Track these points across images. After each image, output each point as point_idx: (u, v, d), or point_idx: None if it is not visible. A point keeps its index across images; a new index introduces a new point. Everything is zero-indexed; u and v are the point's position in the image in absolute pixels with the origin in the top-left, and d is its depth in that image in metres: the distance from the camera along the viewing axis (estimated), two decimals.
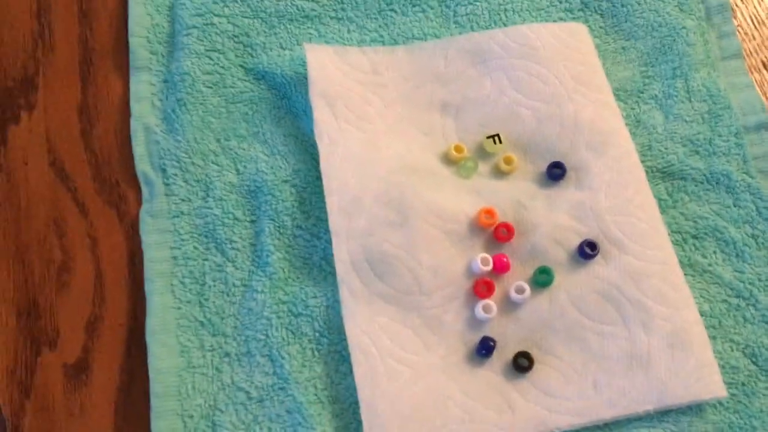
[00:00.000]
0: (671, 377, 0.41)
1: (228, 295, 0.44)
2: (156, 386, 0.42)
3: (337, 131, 0.47)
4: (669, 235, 0.46)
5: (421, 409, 0.40)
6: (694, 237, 0.47)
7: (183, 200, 0.47)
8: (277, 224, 0.46)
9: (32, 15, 0.53)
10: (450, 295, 0.44)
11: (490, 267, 0.44)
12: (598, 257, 0.45)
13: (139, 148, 0.48)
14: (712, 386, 0.41)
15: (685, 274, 0.44)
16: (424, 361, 0.42)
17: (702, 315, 0.44)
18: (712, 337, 0.44)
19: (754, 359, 0.44)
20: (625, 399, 0.41)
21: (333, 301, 0.44)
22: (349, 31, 0.52)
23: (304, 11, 0.53)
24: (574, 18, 0.54)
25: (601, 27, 0.53)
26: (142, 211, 0.47)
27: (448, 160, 0.48)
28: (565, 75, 0.49)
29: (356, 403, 0.41)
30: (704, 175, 0.48)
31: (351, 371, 0.42)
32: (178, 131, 0.49)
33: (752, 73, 0.53)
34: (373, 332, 0.42)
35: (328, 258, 0.45)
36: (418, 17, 0.53)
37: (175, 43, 0.52)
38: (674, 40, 0.52)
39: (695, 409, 0.42)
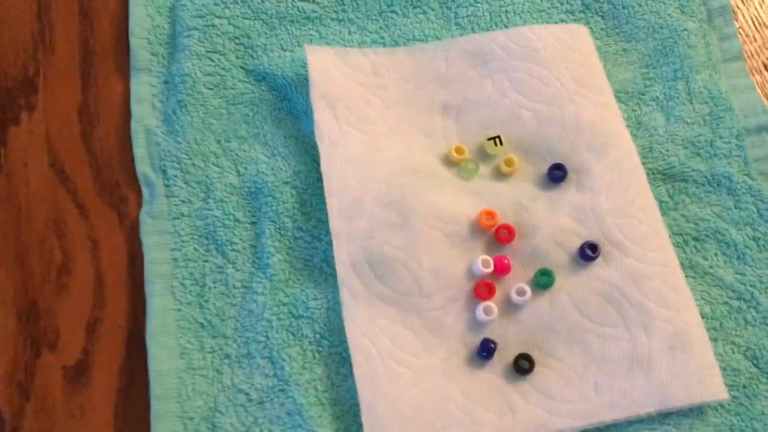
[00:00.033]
0: (672, 379, 0.41)
1: (228, 296, 0.44)
2: (156, 388, 0.42)
3: (338, 133, 0.47)
4: (670, 237, 0.46)
5: (421, 411, 0.40)
6: (695, 239, 0.47)
7: (183, 202, 0.47)
8: (277, 226, 0.46)
9: (33, 15, 0.53)
10: (451, 296, 0.44)
11: (490, 269, 0.44)
12: (599, 259, 0.45)
13: (139, 150, 0.48)
14: (714, 388, 0.41)
15: (686, 276, 0.44)
16: (425, 363, 0.42)
17: (703, 317, 0.44)
18: (713, 340, 0.44)
19: (755, 361, 0.44)
20: (626, 401, 0.41)
21: (333, 302, 0.44)
22: (349, 33, 0.52)
23: (304, 13, 0.53)
24: (575, 20, 0.53)
25: (602, 29, 0.53)
26: (142, 213, 0.47)
27: (448, 161, 0.48)
28: (566, 77, 0.49)
29: (357, 405, 0.41)
30: (705, 177, 0.48)
31: (351, 373, 0.42)
32: (178, 132, 0.49)
33: (753, 75, 0.53)
34: (373, 334, 0.42)
35: (328, 260, 0.45)
36: (419, 19, 0.53)
37: (175, 44, 0.51)
38: (675, 42, 0.52)
39: (696, 411, 0.42)
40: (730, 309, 0.45)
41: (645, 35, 0.53)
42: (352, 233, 0.44)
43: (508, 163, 0.48)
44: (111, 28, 0.53)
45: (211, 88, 0.50)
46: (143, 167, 0.48)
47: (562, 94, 0.49)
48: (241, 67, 0.51)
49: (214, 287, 0.45)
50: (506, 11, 0.53)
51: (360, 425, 0.41)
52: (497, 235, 0.45)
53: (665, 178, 0.48)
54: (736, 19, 0.55)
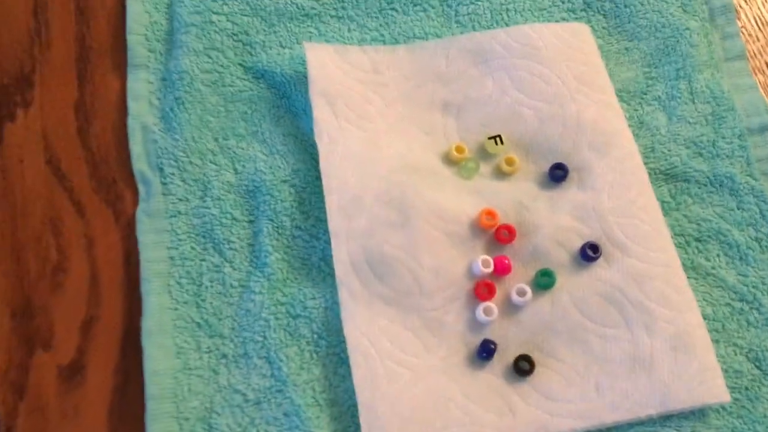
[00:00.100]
0: (674, 380, 0.41)
1: (225, 296, 0.44)
2: (151, 388, 0.41)
3: (337, 130, 0.47)
4: (672, 237, 0.45)
5: (421, 411, 0.40)
6: (697, 240, 0.46)
7: (180, 200, 0.46)
8: (275, 224, 0.46)
9: (29, 12, 0.52)
10: (451, 296, 0.43)
11: (491, 269, 0.44)
12: (601, 259, 0.44)
13: (136, 147, 0.48)
14: (716, 390, 0.41)
15: (688, 277, 0.44)
16: (424, 363, 0.41)
17: (705, 318, 0.43)
18: (715, 341, 0.43)
19: (757, 363, 0.43)
20: (627, 402, 0.41)
21: (332, 302, 0.43)
22: (349, 30, 0.52)
23: (304, 9, 0.52)
24: (576, 18, 0.53)
25: (604, 27, 0.53)
26: (138, 211, 0.46)
27: (449, 160, 0.48)
28: (568, 75, 0.49)
29: (355, 405, 0.41)
30: (707, 177, 0.48)
31: (350, 373, 0.41)
32: (175, 130, 0.48)
33: (756, 74, 0.52)
34: (372, 334, 0.42)
35: (327, 259, 0.45)
36: (420, 16, 0.53)
37: (173, 41, 0.51)
38: (677, 41, 0.52)
39: (698, 413, 0.42)
40: (733, 310, 0.44)
41: (647, 34, 0.52)
42: (351, 232, 0.44)
43: (509, 162, 0.47)
44: (108, 25, 0.52)
45: (209, 86, 0.50)
46: (140, 165, 0.47)
47: (564, 93, 0.48)
48: (240, 65, 0.50)
49: (211, 286, 0.44)
50: (507, 9, 0.53)
51: (358, 426, 0.40)
52: (497, 235, 0.45)
53: (667, 178, 0.48)
54: (739, 18, 0.54)
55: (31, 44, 0.51)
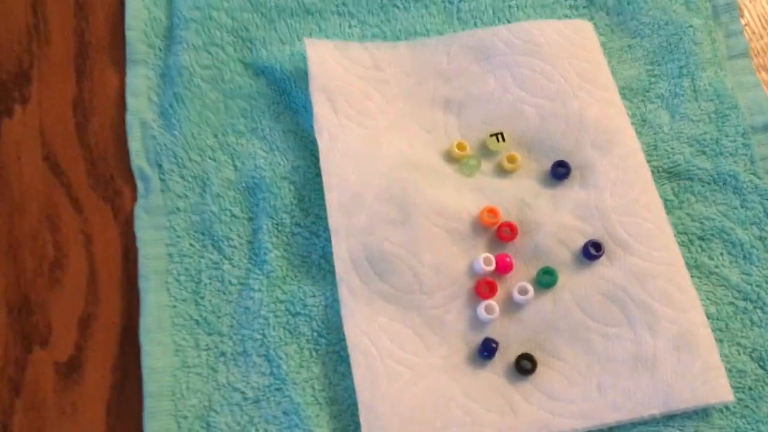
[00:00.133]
0: (677, 380, 0.41)
1: (224, 293, 0.44)
2: (150, 386, 0.41)
3: (338, 127, 0.46)
4: (675, 236, 0.45)
5: (421, 410, 0.40)
6: (701, 238, 0.46)
7: (179, 196, 0.46)
8: (275, 222, 0.45)
9: (28, 7, 0.52)
10: (451, 294, 0.43)
11: (492, 267, 0.43)
12: (603, 258, 0.44)
13: (134, 143, 0.48)
14: (719, 390, 0.41)
15: (691, 276, 0.44)
16: (425, 362, 0.41)
17: (708, 318, 0.43)
18: (719, 341, 0.43)
19: (761, 363, 0.43)
20: (630, 402, 0.40)
21: (332, 300, 0.43)
22: (350, 26, 0.52)
23: (304, 6, 0.52)
24: (579, 15, 0.53)
25: (606, 25, 0.53)
26: (137, 207, 0.46)
27: (450, 157, 0.48)
28: (570, 72, 0.48)
29: (355, 404, 0.40)
30: (711, 175, 0.48)
31: (350, 372, 0.41)
32: (175, 126, 0.48)
33: (760, 72, 0.52)
34: (372, 332, 0.41)
35: (327, 256, 0.44)
36: (421, 13, 0.52)
37: (172, 36, 0.51)
38: (681, 38, 0.51)
39: (701, 413, 0.41)
40: (736, 309, 0.44)
41: (650, 31, 0.52)
42: (351, 229, 0.43)
43: (511, 159, 0.47)
44: (107, 21, 0.52)
45: (209, 82, 0.49)
46: (138, 161, 0.47)
47: (566, 90, 0.48)
48: (240, 61, 0.50)
49: (210, 284, 0.44)
50: (509, 6, 0.52)
51: (358, 425, 0.40)
52: (499, 233, 0.44)
53: (670, 176, 0.48)
54: (743, 16, 0.54)
55: (30, 40, 0.51)
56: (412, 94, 0.49)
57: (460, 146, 0.47)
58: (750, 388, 0.42)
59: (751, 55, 0.52)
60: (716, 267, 0.45)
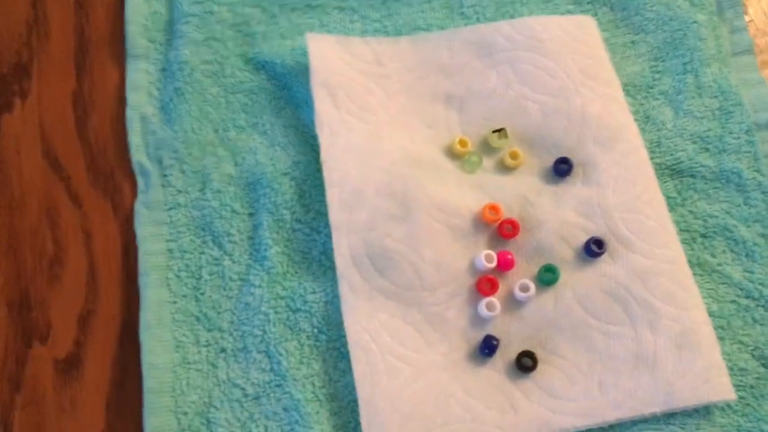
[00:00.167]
0: (678, 378, 0.40)
1: (225, 289, 0.43)
2: (150, 382, 0.41)
3: (339, 122, 0.46)
4: (677, 233, 0.45)
5: (421, 407, 0.39)
6: (703, 236, 0.46)
7: (179, 192, 0.46)
8: (275, 217, 0.45)
9: (28, 2, 0.52)
10: (453, 291, 0.43)
11: (494, 264, 0.43)
12: (605, 255, 0.44)
13: (135, 139, 0.47)
14: (721, 388, 0.40)
15: (693, 274, 0.43)
16: (425, 359, 0.41)
17: (710, 315, 0.43)
18: (721, 339, 0.43)
19: (763, 361, 0.43)
20: (631, 400, 0.40)
21: (332, 296, 0.43)
22: (351, 21, 0.51)
23: (305, 0, 0.52)
24: (582, 11, 0.52)
25: (610, 20, 0.52)
26: (137, 203, 0.46)
27: (451, 153, 0.47)
28: (573, 68, 0.48)
29: (355, 401, 0.40)
30: (714, 172, 0.47)
31: (350, 368, 0.41)
32: (175, 121, 0.47)
33: (764, 69, 0.52)
34: (373, 329, 0.41)
35: (327, 252, 0.44)
36: (423, 8, 0.52)
37: (173, 31, 0.50)
38: (685, 34, 0.51)
39: (702, 411, 0.41)
40: (738, 307, 0.44)
41: (654, 27, 0.52)
42: (352, 225, 0.43)
43: (513, 156, 0.47)
44: (107, 15, 0.52)
45: (209, 76, 0.49)
46: (139, 156, 0.47)
47: (569, 86, 0.48)
48: (240, 55, 0.50)
49: (210, 279, 0.44)
50: (512, 1, 0.52)
51: (358, 422, 0.40)
52: (501, 230, 0.44)
53: (673, 173, 0.47)
54: (747, 13, 0.54)
55: (30, 34, 0.51)
56: (414, 90, 0.48)
57: (462, 142, 0.47)
58: (751, 386, 0.42)
59: (755, 52, 0.52)
60: (719, 265, 0.45)
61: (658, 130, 0.49)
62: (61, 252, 0.45)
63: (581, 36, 0.49)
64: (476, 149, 0.48)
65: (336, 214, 0.43)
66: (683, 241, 0.45)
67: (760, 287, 0.44)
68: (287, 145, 0.47)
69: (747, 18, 0.53)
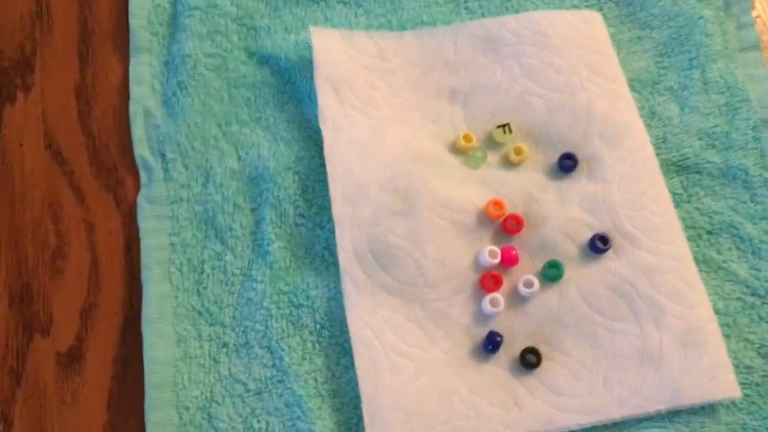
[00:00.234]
0: (684, 376, 0.40)
1: (227, 284, 0.43)
2: (151, 376, 0.41)
3: (342, 117, 0.46)
4: (683, 230, 0.44)
5: (424, 403, 0.39)
6: (709, 233, 0.45)
7: (182, 186, 0.46)
8: (278, 212, 0.45)
9: None
10: (456, 287, 0.42)
11: (498, 260, 0.43)
12: (610, 251, 0.43)
13: (137, 132, 0.47)
14: (726, 386, 0.40)
15: (699, 271, 0.43)
16: (428, 356, 0.41)
17: (716, 313, 0.42)
18: (726, 336, 0.42)
19: None
20: (636, 397, 0.40)
21: (335, 292, 0.43)
22: (356, 16, 0.51)
23: None
24: (588, 6, 0.52)
25: (616, 16, 0.52)
26: (139, 197, 0.45)
27: (456, 149, 0.47)
28: (579, 64, 0.48)
29: (357, 397, 0.40)
30: (720, 169, 0.47)
31: (352, 364, 0.41)
32: (178, 115, 0.47)
33: None
34: (375, 325, 0.41)
35: (330, 248, 0.44)
36: (428, 2, 0.52)
37: (176, 24, 0.50)
38: (691, 30, 0.51)
39: (708, 409, 0.41)
40: (744, 305, 0.44)
41: (660, 23, 0.51)
42: (355, 220, 0.43)
43: (518, 151, 0.47)
44: (110, 8, 0.52)
45: (213, 70, 0.49)
46: (141, 150, 0.47)
47: (574, 82, 0.47)
48: (244, 49, 0.50)
49: (213, 274, 0.43)
50: None
51: (360, 418, 0.40)
52: (505, 226, 0.44)
53: (679, 169, 0.47)
54: (754, 8, 0.53)
55: (32, 27, 0.51)
56: (418, 85, 0.48)
57: (466, 138, 0.47)
58: (757, 384, 0.42)
59: (762, 48, 0.52)
60: (724, 262, 0.45)
61: (664, 126, 0.48)
62: (64, 245, 0.45)
63: (587, 31, 0.49)
64: (481, 144, 0.47)
65: (339, 210, 0.43)
66: (689, 238, 0.45)
67: (766, 285, 0.44)
68: (290, 140, 0.47)
69: (754, 14, 0.53)
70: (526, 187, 0.45)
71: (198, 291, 0.43)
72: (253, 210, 0.45)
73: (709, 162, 0.47)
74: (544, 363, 0.41)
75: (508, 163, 0.47)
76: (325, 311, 0.42)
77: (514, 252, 0.43)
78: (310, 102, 0.48)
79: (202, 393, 0.41)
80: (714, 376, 0.40)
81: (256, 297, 0.43)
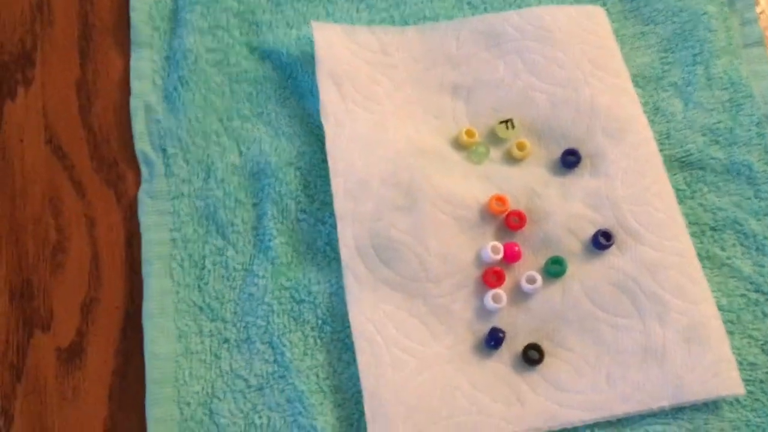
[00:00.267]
0: (687, 372, 0.40)
1: (228, 279, 0.43)
2: (152, 372, 0.40)
3: (344, 112, 0.45)
4: (687, 226, 0.44)
5: (426, 399, 0.39)
6: (713, 229, 0.45)
7: (183, 181, 0.46)
8: (280, 207, 0.45)
9: None
10: (458, 283, 0.42)
11: (500, 255, 0.43)
12: (613, 247, 0.43)
13: (138, 127, 0.47)
14: (730, 383, 0.40)
15: (702, 267, 0.43)
16: (431, 351, 0.40)
17: (720, 309, 0.42)
18: (730, 333, 0.42)
19: None
20: (639, 394, 0.40)
21: (337, 287, 0.42)
22: (358, 11, 0.51)
23: None
24: (591, 1, 0.52)
25: (619, 11, 0.52)
26: (140, 192, 0.45)
27: (458, 144, 0.47)
28: (582, 58, 0.47)
29: (359, 392, 0.40)
30: (724, 165, 0.47)
31: (354, 360, 0.41)
32: (179, 110, 0.47)
33: None
34: (378, 320, 0.41)
35: (332, 243, 0.44)
36: None
37: (177, 19, 0.50)
38: (695, 25, 0.50)
39: (711, 406, 0.41)
40: (748, 301, 0.43)
41: (664, 18, 0.51)
42: (357, 215, 0.43)
43: (520, 147, 0.46)
44: (111, 3, 0.51)
45: (214, 65, 0.48)
46: (142, 145, 0.46)
47: (577, 77, 0.47)
48: (245, 44, 0.49)
49: (214, 269, 0.43)
50: None
51: (362, 413, 0.39)
52: (508, 221, 0.44)
53: (683, 165, 0.47)
54: (758, 4, 0.53)
55: (33, 21, 0.50)
56: (420, 80, 0.48)
57: (469, 133, 0.46)
58: (761, 381, 0.41)
59: (766, 44, 0.51)
60: (728, 258, 0.44)
61: (667, 122, 0.48)
62: (64, 240, 0.45)
63: (590, 26, 0.49)
64: (483, 140, 0.47)
65: (341, 205, 0.43)
66: (692, 234, 0.44)
67: None
68: (292, 135, 0.47)
69: (758, 9, 0.53)
70: (528, 183, 0.45)
71: (199, 286, 0.43)
72: (254, 205, 0.45)
73: (712, 158, 0.47)
74: (547, 359, 0.41)
75: (510, 159, 0.47)
76: (327, 307, 0.42)
77: (516, 248, 0.43)
78: (312, 97, 0.48)
79: (203, 388, 0.40)
80: (717, 373, 0.40)
81: (258, 292, 0.42)
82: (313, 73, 0.47)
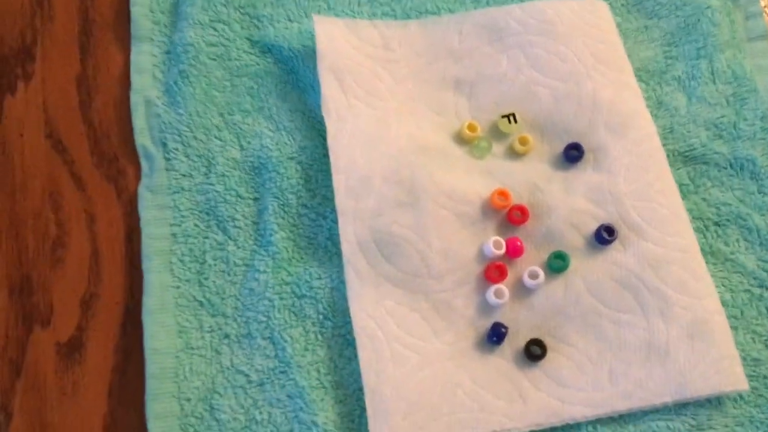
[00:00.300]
0: (691, 369, 0.40)
1: (229, 274, 0.43)
2: (152, 367, 0.40)
3: (346, 107, 0.45)
4: (690, 221, 0.44)
5: (427, 395, 0.39)
6: (717, 224, 0.45)
7: (184, 176, 0.45)
8: (281, 202, 0.44)
9: None
10: (460, 279, 0.42)
11: (502, 251, 0.42)
12: (616, 243, 0.43)
13: (139, 122, 0.47)
14: (734, 378, 0.40)
15: (706, 262, 0.43)
16: (432, 347, 0.40)
17: (723, 305, 0.42)
18: (734, 328, 0.42)
19: None
20: (641, 390, 0.39)
21: (338, 282, 0.42)
22: (359, 4, 0.50)
23: None
24: None
25: (622, 5, 0.51)
26: (141, 187, 0.45)
27: (460, 139, 0.47)
28: (585, 52, 0.47)
29: (360, 388, 0.40)
30: (728, 160, 0.47)
31: (355, 356, 0.40)
32: (179, 104, 0.47)
33: None
34: (379, 316, 0.40)
35: (333, 238, 0.44)
36: None
37: (178, 13, 0.50)
38: (699, 19, 0.50)
39: (714, 402, 0.40)
40: (752, 297, 0.43)
41: (667, 12, 0.51)
42: (358, 211, 0.42)
43: (523, 141, 0.46)
44: None
45: (215, 59, 0.48)
46: (143, 139, 0.46)
47: (580, 71, 0.47)
48: (246, 38, 0.49)
49: (214, 264, 0.43)
50: None
51: (363, 409, 0.39)
52: (510, 216, 0.44)
53: (686, 160, 0.47)
54: None
55: (33, 15, 0.50)
56: (423, 75, 0.48)
57: (471, 127, 0.46)
58: (765, 377, 0.41)
59: None
60: (732, 253, 0.44)
61: (671, 117, 0.48)
62: (64, 235, 0.44)
63: (593, 20, 0.49)
64: (486, 134, 0.47)
65: (342, 201, 0.43)
66: (696, 230, 0.44)
67: None
68: (293, 130, 0.47)
69: (762, 3, 0.52)
70: (531, 178, 0.45)
71: (199, 281, 0.43)
72: (255, 200, 0.45)
73: (716, 153, 0.47)
74: (549, 355, 0.41)
75: (513, 154, 0.46)
76: (328, 302, 0.42)
77: (519, 243, 0.43)
78: (313, 91, 0.47)
79: (203, 384, 0.40)
80: (721, 369, 0.40)
81: (259, 287, 0.42)
82: (315, 67, 0.47)
